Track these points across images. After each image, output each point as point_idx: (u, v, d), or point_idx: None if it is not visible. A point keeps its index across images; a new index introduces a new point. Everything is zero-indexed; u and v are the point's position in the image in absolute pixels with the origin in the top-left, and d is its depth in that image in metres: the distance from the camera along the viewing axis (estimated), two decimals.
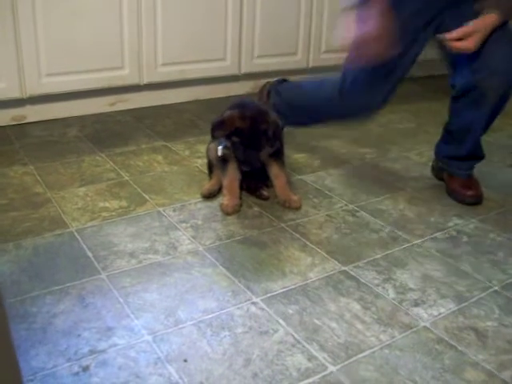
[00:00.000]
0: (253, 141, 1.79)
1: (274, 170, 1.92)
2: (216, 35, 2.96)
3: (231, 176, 1.87)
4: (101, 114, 2.79)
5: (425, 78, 3.90)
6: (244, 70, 3.12)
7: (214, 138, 1.85)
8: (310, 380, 1.18)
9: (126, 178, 2.08)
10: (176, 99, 3.02)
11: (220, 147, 1.84)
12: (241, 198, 1.91)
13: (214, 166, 1.97)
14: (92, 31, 2.60)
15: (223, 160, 1.87)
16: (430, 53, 3.53)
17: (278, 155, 1.91)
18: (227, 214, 1.83)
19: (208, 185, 1.97)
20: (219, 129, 1.79)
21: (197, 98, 3.08)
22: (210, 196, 1.94)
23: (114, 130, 2.58)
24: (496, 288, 1.52)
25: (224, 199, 1.87)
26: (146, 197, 1.93)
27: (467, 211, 1.94)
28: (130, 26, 2.69)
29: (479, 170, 2.23)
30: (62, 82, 2.61)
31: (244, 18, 3.01)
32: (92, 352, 1.23)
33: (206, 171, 2.07)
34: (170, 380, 1.16)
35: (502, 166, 2.36)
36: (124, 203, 1.89)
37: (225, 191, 1.88)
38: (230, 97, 3.12)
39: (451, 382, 1.18)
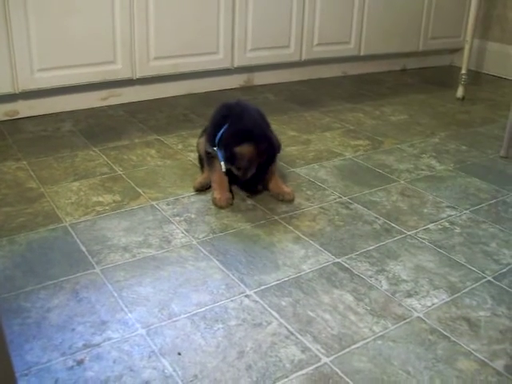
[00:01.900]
0: (262, 170, 1.87)
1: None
2: (208, 29, 2.95)
3: (219, 170, 1.88)
4: (94, 108, 2.79)
5: (417, 70, 3.92)
6: (237, 63, 3.11)
7: (227, 160, 1.84)
8: (304, 371, 1.18)
9: (120, 172, 2.08)
10: (169, 93, 3.02)
11: (223, 163, 1.86)
12: (231, 191, 1.91)
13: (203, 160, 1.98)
14: (84, 25, 2.60)
15: (210, 154, 1.89)
16: (422, 44, 3.55)
17: None
18: (221, 207, 1.84)
19: (200, 178, 1.97)
20: (237, 158, 1.81)
21: (189, 91, 3.07)
22: (202, 189, 1.94)
23: (107, 125, 2.58)
24: (489, 278, 1.53)
25: (215, 193, 1.87)
26: (140, 191, 1.94)
27: (460, 202, 1.95)
28: (123, 19, 2.68)
29: (472, 161, 2.25)
30: (54, 76, 2.60)
31: (236, 11, 3.00)
32: (86, 346, 1.23)
33: (199, 165, 2.07)
34: (164, 373, 1.16)
35: (495, 158, 2.37)
36: (117, 197, 1.89)
37: (214, 185, 1.89)
38: (223, 90, 3.13)
39: (444, 372, 1.19)
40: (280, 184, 1.93)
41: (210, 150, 1.90)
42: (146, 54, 2.80)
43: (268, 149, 1.83)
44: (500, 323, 1.35)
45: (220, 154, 1.85)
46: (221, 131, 1.85)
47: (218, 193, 1.86)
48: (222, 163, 1.85)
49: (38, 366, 1.17)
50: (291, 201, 1.90)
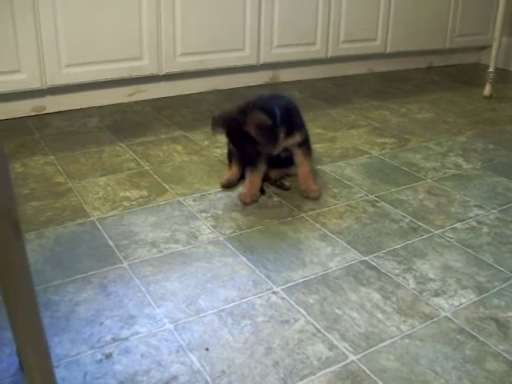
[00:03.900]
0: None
1: (299, 158, 1.92)
2: (235, 25, 2.96)
3: (257, 169, 1.88)
4: (120, 104, 2.81)
5: (443, 68, 3.89)
6: (263, 60, 3.11)
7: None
8: (331, 369, 1.18)
9: (146, 167, 2.09)
10: (194, 89, 3.03)
11: None
12: (263, 192, 1.91)
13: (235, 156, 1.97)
14: (111, 21, 2.61)
15: (256, 152, 1.85)
16: (449, 42, 3.52)
17: (303, 143, 1.91)
18: (245, 203, 1.84)
19: (227, 175, 1.98)
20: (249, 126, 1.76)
21: (215, 88, 3.08)
22: (229, 186, 1.94)
23: (134, 120, 2.60)
24: None
25: (244, 188, 1.87)
26: (166, 186, 1.94)
27: (487, 202, 1.93)
28: (149, 16, 2.69)
29: (499, 160, 2.23)
30: (81, 72, 2.62)
31: (262, 8, 3.00)
32: (115, 340, 1.24)
33: (226, 161, 2.08)
34: (192, 368, 1.17)
35: None
36: (144, 193, 1.90)
37: (246, 182, 1.89)
38: (248, 87, 3.13)
39: (472, 373, 1.18)
40: (309, 180, 1.93)
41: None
42: (172, 50, 2.81)
43: (275, 119, 1.79)
44: None
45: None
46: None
47: (246, 188, 1.87)
48: None
49: (67, 358, 1.18)
50: (316, 199, 1.90)
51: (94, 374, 1.15)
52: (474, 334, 1.29)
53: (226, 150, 2.07)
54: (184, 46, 2.84)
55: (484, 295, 1.44)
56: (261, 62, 3.12)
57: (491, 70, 3.16)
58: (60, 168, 2.06)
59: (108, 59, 2.66)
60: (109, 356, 1.19)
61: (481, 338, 1.28)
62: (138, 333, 1.27)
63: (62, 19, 2.49)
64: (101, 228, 1.68)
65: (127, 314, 1.32)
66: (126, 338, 1.25)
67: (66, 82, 2.60)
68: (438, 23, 3.71)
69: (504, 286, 1.48)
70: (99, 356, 1.19)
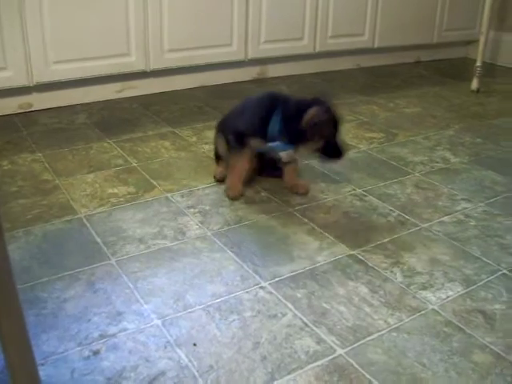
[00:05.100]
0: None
1: None
2: (222, 21, 2.95)
3: (242, 163, 1.86)
4: (108, 100, 2.80)
5: (431, 62, 3.90)
6: (250, 55, 3.11)
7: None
8: (319, 363, 1.18)
9: (134, 164, 2.08)
10: (182, 85, 3.02)
11: (284, 153, 1.83)
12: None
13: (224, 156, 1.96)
14: (98, 17, 2.60)
15: (240, 143, 1.83)
16: (436, 36, 3.53)
17: None
18: (233, 198, 1.84)
19: (220, 168, 1.97)
20: (310, 125, 1.72)
21: (203, 84, 3.07)
22: (223, 180, 1.93)
23: (122, 117, 2.59)
24: (504, 271, 1.52)
25: (228, 182, 1.88)
26: (154, 183, 1.94)
27: (475, 195, 1.94)
28: (136, 12, 2.68)
29: (487, 154, 2.24)
30: (68, 69, 2.61)
31: (250, 3, 3.00)
32: (102, 336, 1.24)
33: (213, 157, 2.07)
34: (180, 363, 1.17)
35: (510, 150, 2.35)
36: (132, 189, 1.89)
37: (230, 176, 1.88)
38: (236, 83, 3.12)
39: (459, 365, 1.19)
40: (295, 176, 1.93)
41: (256, 146, 1.84)
42: (159, 46, 2.80)
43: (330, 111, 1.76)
44: None
45: (278, 145, 1.80)
46: (273, 120, 1.77)
47: (229, 182, 1.87)
48: (284, 153, 1.83)
49: (54, 355, 1.18)
50: (305, 194, 1.90)
51: (82, 370, 1.14)
52: (461, 326, 1.30)
53: (213, 146, 2.07)
54: (171, 41, 2.83)
55: (471, 288, 1.44)
56: (249, 58, 3.12)
57: (478, 64, 3.18)
58: (47, 165, 2.05)
59: (95, 56, 2.65)
60: (96, 352, 1.19)
61: (468, 331, 1.29)
62: (125, 329, 1.26)
63: (49, 15, 2.47)
64: (88, 225, 1.67)
65: (115, 310, 1.32)
66: (114, 335, 1.25)
67: (53, 79, 2.59)
68: (426, 18, 3.72)
69: (491, 278, 1.49)
70: (87, 353, 1.19)
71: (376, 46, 3.58)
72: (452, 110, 2.87)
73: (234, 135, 1.84)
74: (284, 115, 1.76)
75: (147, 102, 2.80)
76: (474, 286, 1.45)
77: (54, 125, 2.48)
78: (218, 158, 2.02)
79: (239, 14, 2.98)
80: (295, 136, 1.75)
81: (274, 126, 1.77)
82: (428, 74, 3.62)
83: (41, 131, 2.39)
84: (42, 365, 1.15)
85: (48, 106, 2.66)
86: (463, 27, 3.91)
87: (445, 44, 3.94)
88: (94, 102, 2.76)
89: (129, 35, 2.71)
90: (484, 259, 1.57)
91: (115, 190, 1.88)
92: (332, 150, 1.79)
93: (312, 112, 1.70)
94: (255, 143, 1.82)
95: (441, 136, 2.49)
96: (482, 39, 3.17)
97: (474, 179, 2.07)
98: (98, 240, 1.60)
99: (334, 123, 1.75)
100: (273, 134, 1.78)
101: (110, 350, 1.20)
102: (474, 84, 3.22)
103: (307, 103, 1.74)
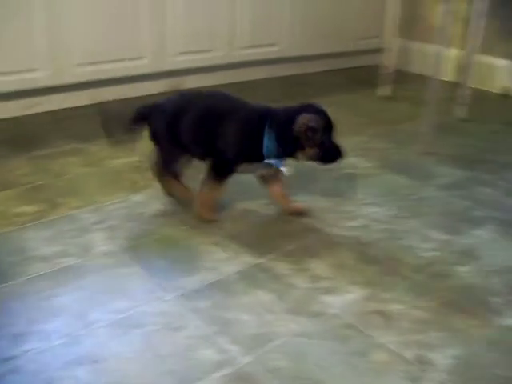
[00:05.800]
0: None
1: (277, 175, 1.86)
2: (133, 34, 2.94)
3: (223, 188, 1.82)
4: (16, 117, 2.73)
5: (344, 70, 3.98)
6: (163, 67, 3.11)
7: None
8: (223, 372, 1.20)
9: (42, 182, 2.05)
10: (94, 99, 2.97)
11: (286, 168, 1.78)
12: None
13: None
14: (3, 33, 2.55)
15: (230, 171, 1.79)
16: (349, 45, 3.60)
17: None
18: (211, 221, 1.82)
19: (181, 185, 1.89)
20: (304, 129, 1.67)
21: (118, 97, 3.04)
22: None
23: (30, 134, 2.54)
24: (407, 273, 1.57)
25: (202, 210, 1.83)
26: (62, 200, 1.91)
27: (381, 200, 1.99)
28: (41, 26, 2.64)
29: (392, 158, 2.30)
30: None
31: (160, 16, 3.00)
32: (4, 360, 1.22)
33: (127, 172, 2.05)
34: (84, 382, 1.16)
35: (415, 154, 2.43)
36: (38, 208, 1.86)
37: (202, 204, 1.83)
38: (150, 95, 3.11)
39: (358, 365, 1.23)
40: (287, 198, 1.90)
41: (248, 170, 1.81)
42: (69, 60, 2.76)
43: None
44: (412, 315, 1.39)
45: (276, 161, 1.76)
46: (266, 140, 1.71)
47: (204, 205, 1.83)
48: (285, 168, 1.78)
49: None
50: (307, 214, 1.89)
51: None
52: (361, 328, 1.34)
53: (123, 161, 2.06)
54: (81, 55, 2.79)
55: (373, 290, 1.49)
56: (162, 70, 3.11)
57: (388, 71, 3.28)
58: None
59: (1, 71, 2.60)
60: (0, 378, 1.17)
61: (367, 332, 1.33)
62: (28, 351, 1.24)
63: None
64: None
65: (18, 331, 1.30)
66: (16, 357, 1.22)
67: None
68: (338, 27, 3.80)
69: (393, 280, 1.54)
70: None
71: (289, 55, 3.63)
72: (364, 116, 2.94)
73: (223, 163, 1.78)
74: (276, 132, 1.70)
75: (58, 118, 2.75)
76: (376, 288, 1.49)
77: None
78: (160, 173, 1.91)
79: (150, 27, 2.98)
80: (290, 147, 1.70)
81: (269, 145, 1.71)
82: (342, 81, 3.70)
83: None
84: None
85: None
86: (375, 35, 4.01)
87: (358, 52, 4.03)
88: (2, 119, 2.69)
89: (36, 50, 2.66)
90: (387, 262, 1.62)
91: (21, 209, 1.85)
92: (330, 153, 1.74)
93: (301, 119, 1.67)
94: (248, 168, 1.78)
95: (352, 142, 2.54)
96: (388, 47, 3.29)
97: (383, 184, 2.13)
98: (3, 260, 1.57)
99: (326, 125, 1.70)
100: (269, 154, 1.72)
101: (13, 374, 1.18)
102: (385, 91, 3.31)
103: (295, 111, 1.70)
